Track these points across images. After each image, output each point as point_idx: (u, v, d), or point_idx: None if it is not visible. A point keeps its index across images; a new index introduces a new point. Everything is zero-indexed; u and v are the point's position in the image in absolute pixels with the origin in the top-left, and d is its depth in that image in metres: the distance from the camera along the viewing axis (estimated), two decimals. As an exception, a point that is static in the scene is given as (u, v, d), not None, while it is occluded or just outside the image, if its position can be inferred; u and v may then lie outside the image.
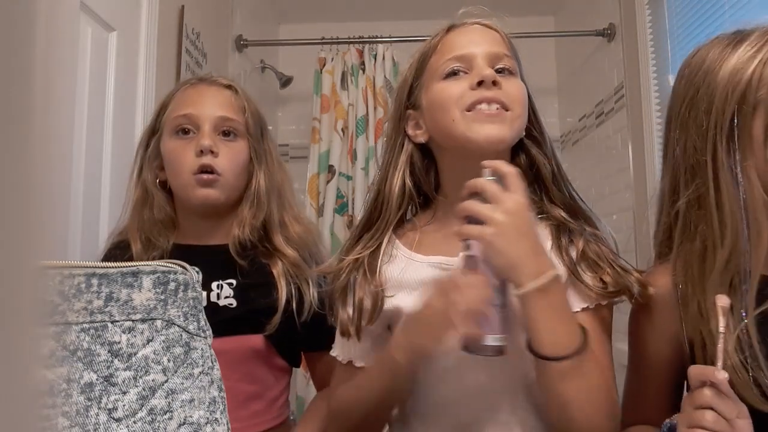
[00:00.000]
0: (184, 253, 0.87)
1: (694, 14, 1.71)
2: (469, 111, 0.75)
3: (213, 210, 0.96)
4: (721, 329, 0.63)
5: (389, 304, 0.79)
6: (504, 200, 0.67)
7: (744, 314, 0.67)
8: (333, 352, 0.86)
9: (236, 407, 0.86)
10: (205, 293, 0.89)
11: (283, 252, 0.96)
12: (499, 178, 0.69)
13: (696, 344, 0.71)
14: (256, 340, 0.92)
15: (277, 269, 0.94)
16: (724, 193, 0.67)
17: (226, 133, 0.95)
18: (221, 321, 0.86)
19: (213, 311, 0.87)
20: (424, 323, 0.69)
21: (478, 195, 0.69)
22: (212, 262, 0.91)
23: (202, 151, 0.92)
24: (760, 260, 0.67)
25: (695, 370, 0.64)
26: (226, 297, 0.92)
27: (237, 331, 0.90)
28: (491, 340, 0.68)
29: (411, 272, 0.80)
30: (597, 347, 0.72)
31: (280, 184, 1.01)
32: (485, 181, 0.69)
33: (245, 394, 0.91)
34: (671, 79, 1.81)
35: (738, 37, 0.70)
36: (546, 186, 0.81)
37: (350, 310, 0.80)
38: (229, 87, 0.99)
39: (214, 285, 0.92)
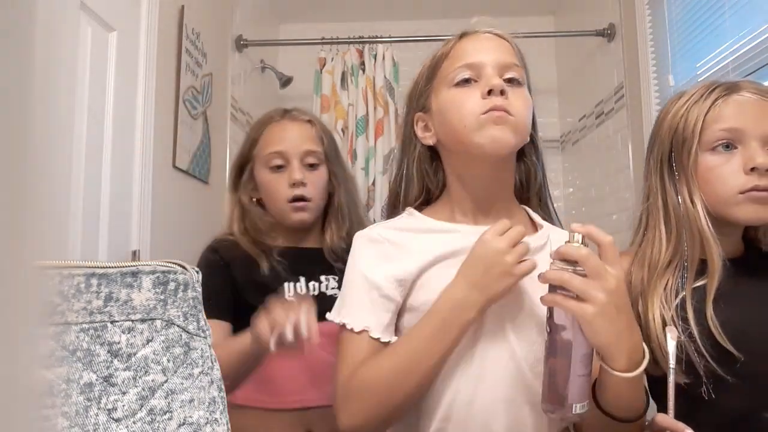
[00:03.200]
0: (293, 253, 1.14)
1: (694, 14, 1.71)
2: (482, 114, 0.78)
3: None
4: (672, 365, 0.73)
5: (424, 274, 0.80)
6: (606, 277, 0.66)
7: (683, 291, 0.83)
8: (341, 321, 0.81)
9: (328, 380, 0.89)
10: (316, 284, 1.13)
11: None
12: (587, 242, 0.68)
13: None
14: None
15: None
16: (669, 207, 0.88)
17: (310, 164, 1.15)
18: (328, 308, 0.90)
19: (322, 299, 1.07)
20: (498, 272, 0.72)
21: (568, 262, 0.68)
22: (317, 261, 1.15)
23: (294, 183, 1.12)
24: (697, 252, 0.84)
25: (665, 422, 0.71)
26: (333, 288, 1.12)
27: None
28: (578, 408, 0.68)
29: (447, 239, 0.82)
30: None
31: (356, 197, 1.24)
32: (587, 254, 0.66)
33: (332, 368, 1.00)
34: (671, 79, 1.81)
35: (681, 94, 0.91)
36: (529, 194, 0.90)
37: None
38: (309, 122, 1.18)
39: (323, 278, 1.13)
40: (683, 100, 0.89)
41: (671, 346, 0.74)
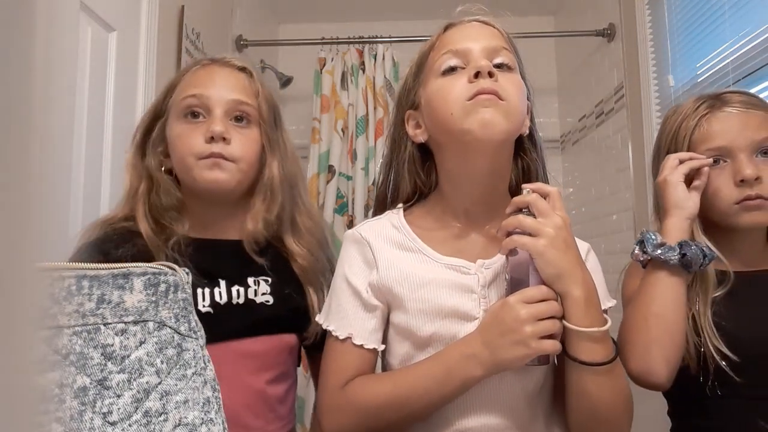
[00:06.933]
0: (205, 246, 0.87)
1: (693, 14, 1.71)
2: (468, 101, 0.74)
3: (221, 198, 0.89)
4: None
5: (394, 289, 0.78)
6: (552, 215, 0.72)
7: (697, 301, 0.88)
8: (328, 326, 0.81)
9: (268, 410, 0.85)
10: (242, 289, 0.86)
11: (294, 255, 0.91)
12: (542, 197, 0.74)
13: None
14: (291, 339, 0.89)
15: (300, 271, 0.91)
16: None
17: (238, 119, 0.88)
18: (259, 319, 0.85)
19: (249, 309, 0.85)
20: (513, 339, 0.69)
21: (521, 211, 0.74)
22: (240, 258, 0.88)
23: (212, 138, 0.84)
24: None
25: None
26: (263, 294, 0.87)
27: (273, 330, 0.87)
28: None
29: (422, 267, 0.79)
30: None
31: (293, 177, 0.94)
32: (535, 197, 0.73)
33: (276, 397, 0.87)
34: (671, 80, 1.81)
35: (676, 107, 0.98)
36: None
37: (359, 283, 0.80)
38: (243, 69, 0.92)
39: (250, 281, 0.87)
40: (675, 116, 0.96)
41: None
